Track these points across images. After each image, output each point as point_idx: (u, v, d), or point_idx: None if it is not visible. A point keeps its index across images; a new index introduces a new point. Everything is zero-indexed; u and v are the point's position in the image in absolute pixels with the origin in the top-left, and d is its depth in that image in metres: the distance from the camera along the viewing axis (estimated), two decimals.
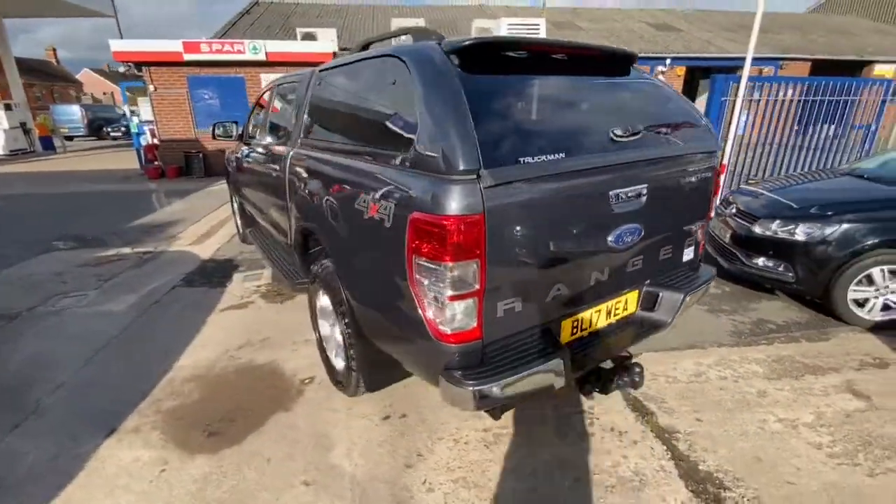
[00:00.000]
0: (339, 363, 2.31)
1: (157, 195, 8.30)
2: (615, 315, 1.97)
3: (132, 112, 11.07)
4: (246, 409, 2.34)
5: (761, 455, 2.01)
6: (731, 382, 2.53)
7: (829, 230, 3.11)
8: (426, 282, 1.42)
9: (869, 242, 2.99)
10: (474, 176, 1.32)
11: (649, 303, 2.06)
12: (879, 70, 14.54)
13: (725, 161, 5.43)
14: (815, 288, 3.21)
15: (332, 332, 2.35)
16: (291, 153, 2.56)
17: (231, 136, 4.17)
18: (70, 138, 21.32)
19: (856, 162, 4.89)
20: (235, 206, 4.95)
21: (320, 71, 2.48)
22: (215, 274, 4.23)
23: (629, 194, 1.68)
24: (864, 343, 2.97)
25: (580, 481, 1.87)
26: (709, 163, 2.06)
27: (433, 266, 1.38)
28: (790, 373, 2.63)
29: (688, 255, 2.17)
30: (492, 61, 1.62)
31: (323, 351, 2.54)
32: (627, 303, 2.00)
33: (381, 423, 2.22)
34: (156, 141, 10.53)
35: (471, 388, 1.41)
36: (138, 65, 9.92)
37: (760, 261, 3.43)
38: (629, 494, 1.81)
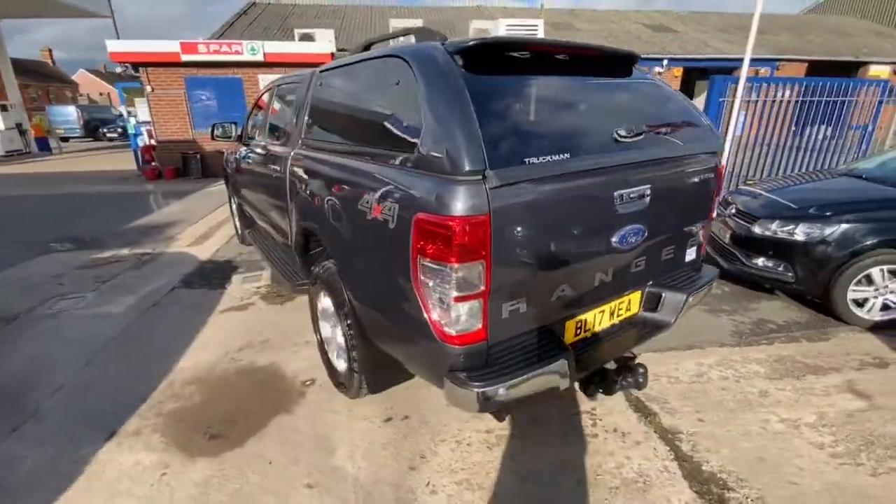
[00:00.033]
0: (341, 365, 2.30)
1: (154, 196, 8.27)
2: (618, 316, 1.97)
3: (129, 113, 11.02)
4: (247, 411, 2.33)
5: (764, 455, 2.01)
6: (732, 382, 2.53)
7: (828, 230, 3.12)
8: (431, 283, 1.41)
9: (868, 242, 3.00)
10: (480, 176, 1.32)
11: (652, 303, 2.06)
12: (875, 71, 14.64)
13: (724, 162, 5.45)
14: (815, 288, 3.22)
15: (334, 333, 2.34)
16: (292, 154, 2.55)
17: (230, 137, 4.16)
18: (66, 139, 21.22)
19: (854, 162, 4.92)
20: (234, 207, 4.94)
21: (321, 71, 2.47)
22: (214, 275, 4.21)
23: (633, 195, 1.68)
24: (863, 343, 2.98)
25: (584, 483, 1.87)
26: (711, 163, 2.07)
27: (438, 267, 1.37)
28: (791, 373, 2.63)
29: (690, 255, 2.17)
30: (495, 62, 1.61)
31: (324, 353, 2.53)
32: (630, 303, 2.00)
33: (384, 425, 2.21)
34: (153, 142, 10.49)
35: (476, 390, 1.40)
36: (135, 65, 9.87)
37: (760, 261, 3.43)
38: (633, 496, 1.80)
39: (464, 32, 13.72)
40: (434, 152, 1.40)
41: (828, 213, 3.19)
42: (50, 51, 39.21)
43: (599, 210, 1.63)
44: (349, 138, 2.05)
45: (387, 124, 1.74)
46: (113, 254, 4.86)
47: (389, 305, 1.71)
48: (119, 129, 21.96)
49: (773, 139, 6.01)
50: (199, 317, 3.36)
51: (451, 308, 1.39)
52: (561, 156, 1.45)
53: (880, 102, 6.10)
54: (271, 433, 2.17)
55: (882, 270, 3.03)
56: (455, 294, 1.37)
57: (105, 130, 22.64)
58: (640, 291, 2.02)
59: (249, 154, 3.62)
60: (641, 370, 2.01)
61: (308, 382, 2.56)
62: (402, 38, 2.39)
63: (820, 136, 6.04)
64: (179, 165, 10.27)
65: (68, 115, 22.54)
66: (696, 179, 1.98)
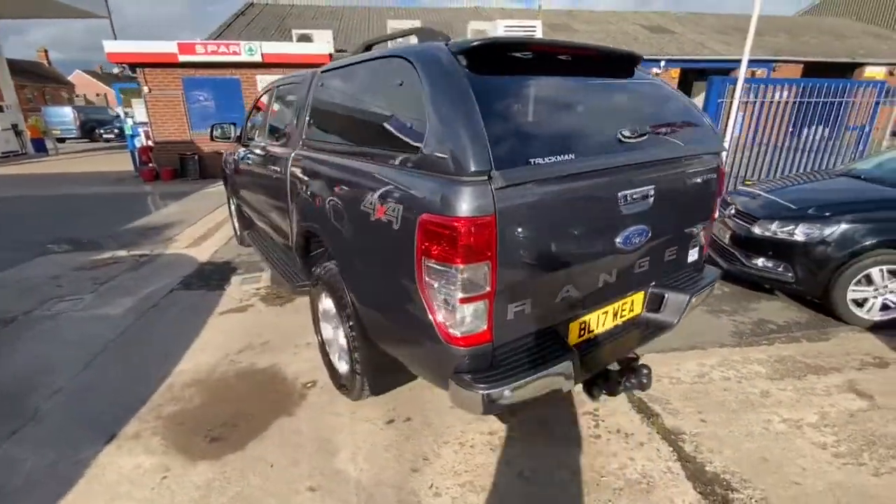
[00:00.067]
0: (343, 367, 2.29)
1: (152, 197, 8.23)
2: (621, 316, 1.96)
3: (126, 114, 10.97)
4: (248, 413, 2.31)
5: (767, 455, 2.01)
6: (734, 383, 2.53)
7: (828, 231, 3.13)
8: (436, 284, 1.40)
9: (868, 243, 3.01)
10: (485, 177, 1.31)
11: (655, 304, 2.06)
12: (870, 72, 14.74)
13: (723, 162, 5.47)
14: (815, 288, 3.22)
15: (336, 335, 2.33)
16: (293, 154, 2.54)
17: (229, 138, 4.14)
18: (62, 140, 21.14)
19: (852, 163, 4.94)
20: (233, 207, 4.92)
21: (322, 72, 2.47)
22: (213, 277, 4.19)
23: (637, 196, 1.68)
24: (863, 343, 2.98)
25: (588, 484, 1.86)
26: (713, 163, 2.07)
27: (443, 268, 1.36)
28: (792, 373, 2.63)
29: (692, 255, 2.17)
30: (499, 62, 1.61)
31: (325, 354, 2.52)
32: (633, 304, 2.00)
33: (386, 427, 2.20)
34: (150, 143, 10.44)
35: (481, 392, 1.39)
36: (132, 66, 9.84)
37: (760, 261, 3.44)
38: (638, 497, 1.80)
39: (462, 33, 13.74)
40: (438, 153, 1.39)
41: (827, 214, 3.20)
42: (46, 51, 39.05)
43: (604, 211, 1.63)
44: (351, 139, 2.04)
45: (390, 125, 1.74)
46: (111, 255, 4.83)
47: (393, 307, 1.70)
48: (115, 130, 21.91)
49: (770, 140, 6.04)
50: (198, 319, 3.34)
51: (457, 309, 1.39)
52: (566, 156, 1.45)
53: (877, 103, 6.14)
54: (272, 436, 2.16)
55: (881, 270, 3.04)
56: (460, 295, 1.36)
57: (101, 131, 22.58)
58: (643, 292, 2.02)
59: (249, 155, 3.60)
60: (645, 371, 2.00)
61: (309, 384, 2.55)
62: (400, 39, 2.39)
63: (817, 137, 6.07)
64: (177, 166, 10.23)
65: (64, 115, 22.46)
66: (698, 180, 1.98)
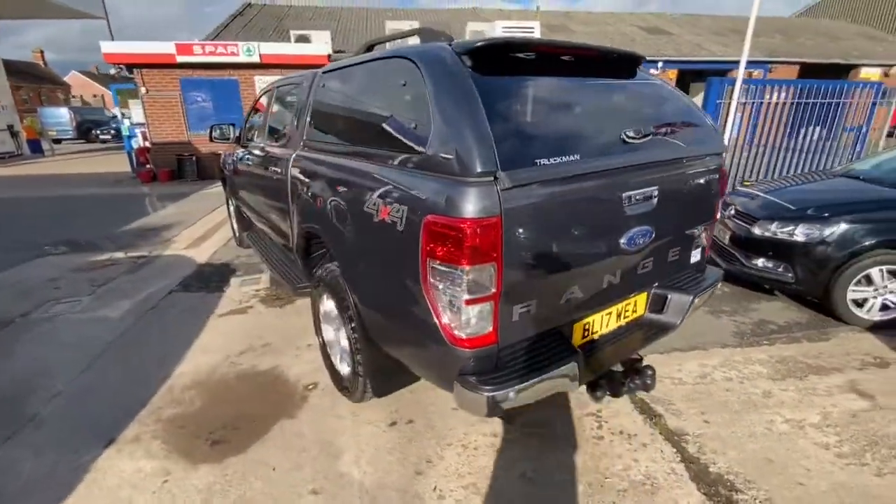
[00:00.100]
0: (345, 369, 2.28)
1: (149, 199, 8.19)
2: (625, 317, 1.96)
3: (123, 115, 10.92)
4: (249, 416, 2.30)
5: (771, 456, 2.01)
6: (736, 384, 2.53)
7: (827, 231, 3.13)
8: (441, 285, 1.40)
9: (867, 243, 3.02)
10: (491, 178, 1.31)
11: (657, 305, 2.05)
12: (865, 73, 14.84)
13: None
14: (815, 288, 3.23)
15: (337, 336, 2.32)
16: (294, 155, 2.53)
17: (228, 139, 4.13)
18: (58, 141, 21.06)
19: (850, 163, 4.96)
20: (232, 209, 4.90)
21: (324, 72, 2.46)
22: (212, 278, 4.17)
23: (641, 196, 1.68)
24: (863, 343, 2.99)
25: (592, 486, 1.86)
26: (716, 164, 2.07)
27: (449, 269, 1.36)
28: (794, 373, 2.64)
29: (695, 256, 2.17)
30: (503, 62, 1.60)
31: (327, 356, 2.51)
32: (636, 305, 2.00)
33: (389, 430, 2.19)
34: (147, 144, 10.40)
35: (487, 394, 1.39)
36: (129, 67, 9.80)
37: (760, 262, 3.45)
38: (642, 498, 1.79)
39: (460, 34, 13.75)
40: (443, 153, 1.38)
41: (826, 214, 3.21)
42: (42, 52, 38.89)
43: (608, 212, 1.62)
44: (354, 140, 2.03)
45: (393, 125, 1.73)
46: (108, 257, 4.80)
47: (397, 308, 1.69)
48: (112, 131, 21.84)
49: (768, 141, 6.06)
50: (197, 321, 3.32)
51: (462, 311, 1.38)
52: (571, 157, 1.45)
53: (874, 104, 6.17)
54: (274, 438, 2.14)
55: (881, 271, 3.05)
56: (466, 297, 1.36)
57: (98, 132, 22.51)
58: (645, 293, 2.02)
59: (248, 156, 3.59)
60: (650, 372, 2.00)
61: (311, 386, 2.53)
62: (398, 41, 2.38)
63: (814, 138, 6.10)
64: (174, 168, 10.20)
65: (60, 116, 22.39)
66: (701, 181, 1.98)
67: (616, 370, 2.07)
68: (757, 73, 14.32)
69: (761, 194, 3.85)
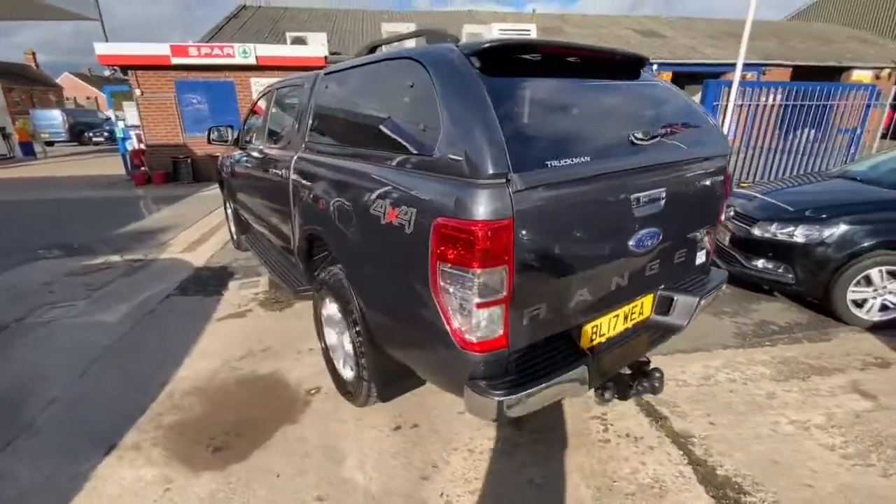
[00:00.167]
0: (348, 373, 2.25)
1: (144, 201, 8.12)
2: (631, 320, 1.95)
3: (117, 117, 10.83)
4: (251, 421, 2.26)
5: (777, 458, 2.00)
6: (740, 385, 2.53)
7: (827, 232, 3.15)
8: (451, 289, 1.38)
9: (867, 244, 3.04)
10: (503, 180, 1.29)
11: (663, 307, 2.05)
12: (857, 75, 15.01)
13: None
14: (815, 289, 3.24)
15: (340, 340, 2.29)
16: (295, 157, 2.51)
17: (226, 141, 4.09)
18: (50, 143, 20.88)
19: (847, 165, 5.00)
20: (229, 211, 4.86)
21: (326, 74, 2.43)
22: (210, 282, 4.12)
23: (649, 198, 1.67)
24: (864, 343, 3.00)
25: (600, 489, 1.84)
26: (720, 165, 2.07)
27: (460, 272, 1.34)
28: (796, 374, 2.64)
29: (700, 258, 2.17)
30: (510, 64, 1.59)
31: (329, 360, 2.48)
32: (643, 307, 1.99)
33: (393, 434, 2.17)
34: (142, 146, 10.31)
35: (498, 399, 1.37)
36: (124, 68, 9.73)
37: (760, 262, 3.46)
38: (651, 502, 1.78)
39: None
40: (453, 155, 1.37)
41: (824, 216, 3.22)
42: (34, 54, 38.55)
43: (617, 214, 1.62)
44: (358, 142, 2.01)
45: (399, 127, 1.71)
46: (104, 260, 4.74)
47: (404, 312, 1.67)
48: (105, 134, 21.67)
49: (765, 143, 6.11)
50: (196, 325, 3.28)
51: (472, 314, 1.36)
52: (581, 159, 1.44)
53: (868, 106, 6.24)
54: (277, 444, 2.11)
55: (881, 271, 3.07)
56: (477, 300, 1.34)
57: (91, 135, 22.33)
58: (652, 295, 2.01)
59: (248, 158, 3.55)
60: (657, 375, 1.99)
61: (313, 391, 2.50)
62: (395, 43, 2.37)
63: (810, 139, 6.16)
64: (170, 170, 10.12)
65: (53, 118, 22.21)
66: (707, 182, 1.98)
67: (623, 373, 2.06)
68: (751, 75, 14.43)
69: (760, 196, 3.87)
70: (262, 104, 3.61)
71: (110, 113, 11.75)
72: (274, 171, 2.83)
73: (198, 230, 6.01)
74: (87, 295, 3.83)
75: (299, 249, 2.56)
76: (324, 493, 1.84)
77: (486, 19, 17.06)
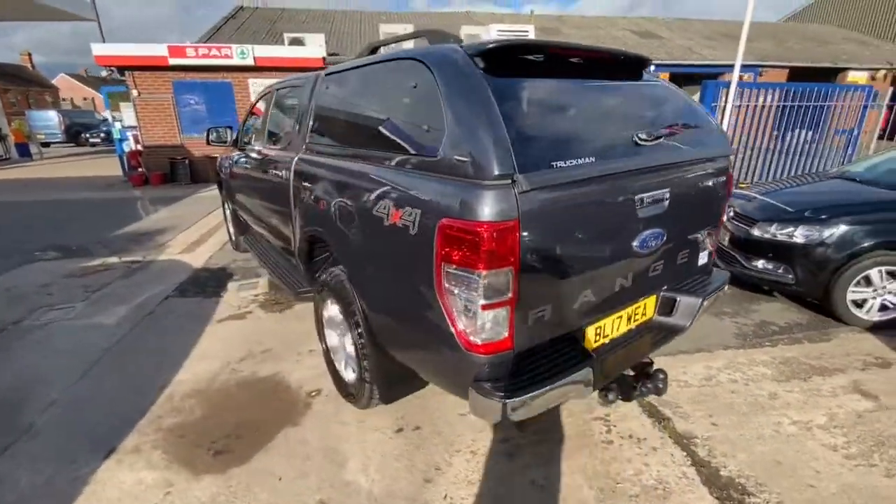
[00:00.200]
0: (350, 375, 2.24)
1: (142, 203, 8.08)
2: (634, 321, 1.95)
3: (114, 118, 10.78)
4: (252, 424, 2.25)
5: (780, 458, 2.00)
6: (741, 385, 2.53)
7: (827, 232, 3.16)
8: (456, 290, 1.37)
9: (867, 244, 3.05)
10: (509, 181, 1.29)
11: (666, 308, 2.05)
12: (853, 76, 15.10)
13: None
14: (815, 289, 3.25)
15: (342, 342, 2.28)
16: (296, 158, 2.49)
17: (226, 142, 4.07)
18: (47, 145, 20.77)
19: (845, 165, 5.02)
20: (228, 212, 4.84)
21: (327, 75, 2.43)
22: (209, 283, 4.10)
23: (653, 199, 1.67)
24: (864, 343, 3.01)
25: (604, 491, 1.84)
26: (723, 165, 2.07)
27: (465, 274, 1.33)
28: (798, 374, 2.65)
29: (702, 258, 2.17)
30: (514, 64, 1.59)
31: (330, 362, 2.47)
32: (646, 308, 1.99)
33: (395, 436, 2.15)
34: (139, 147, 10.27)
35: (503, 401, 1.36)
36: (121, 69, 9.69)
37: (760, 263, 3.47)
38: (655, 503, 1.78)
39: None
40: (458, 156, 1.36)
41: (823, 216, 3.23)
42: (30, 55, 38.37)
43: (622, 214, 1.61)
44: (360, 143, 2.00)
45: (402, 128, 1.71)
46: (101, 262, 4.71)
47: (408, 313, 1.66)
48: (102, 135, 21.59)
49: (762, 143, 6.13)
50: (195, 326, 3.26)
51: (478, 316, 1.35)
52: (587, 159, 1.43)
53: (865, 107, 6.27)
54: (278, 447, 2.10)
55: (880, 272, 3.08)
56: (482, 302, 1.33)
57: (87, 136, 22.22)
58: (654, 296, 2.01)
59: (247, 159, 3.54)
60: (661, 376, 1.99)
61: (314, 393, 2.49)
62: (396, 44, 2.36)
63: (808, 140, 6.19)
64: (167, 171, 10.08)
65: (49, 119, 22.11)
66: (710, 182, 1.98)
67: (627, 374, 2.06)
68: (747, 76, 14.50)
69: (759, 196, 3.88)
70: (261, 105, 3.60)
71: (107, 114, 11.70)
72: (274, 172, 2.81)
73: (196, 231, 5.98)
74: (86, 297, 3.80)
75: (300, 251, 2.55)
76: (326, 497, 1.83)
77: (484, 20, 17.08)
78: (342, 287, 2.07)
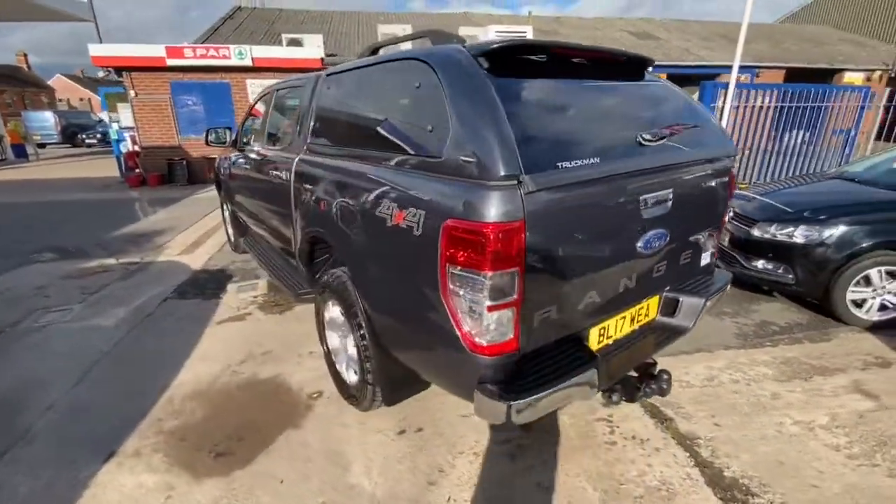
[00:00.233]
0: (352, 377, 2.23)
1: (140, 204, 8.04)
2: (638, 322, 1.95)
3: (111, 119, 10.73)
4: (253, 426, 2.24)
5: (783, 459, 2.00)
6: (743, 386, 2.54)
7: (827, 233, 3.17)
8: (461, 291, 1.36)
9: (866, 244, 3.05)
10: (515, 181, 1.28)
11: (669, 308, 2.04)
12: (849, 77, 15.17)
13: None
14: (815, 289, 3.26)
15: (344, 344, 2.27)
16: (297, 159, 2.48)
17: (225, 143, 4.06)
18: (43, 145, 20.67)
19: (843, 166, 5.04)
20: (227, 214, 4.82)
21: (328, 75, 2.42)
22: (208, 285, 4.08)
23: (657, 199, 1.67)
24: (864, 343, 3.02)
25: (608, 492, 1.83)
26: (726, 166, 2.07)
27: (470, 275, 1.33)
28: (799, 374, 2.65)
29: (705, 259, 2.17)
30: (517, 65, 1.58)
31: (331, 364, 2.45)
32: (649, 309, 1.98)
33: (397, 438, 2.14)
34: (137, 148, 10.22)
35: (509, 403, 1.35)
36: (119, 70, 9.65)
37: (760, 263, 3.47)
38: None
39: None
40: (463, 157, 1.36)
41: (823, 217, 3.24)
42: (25, 55, 38.18)
43: (627, 215, 1.61)
44: (362, 143, 1.99)
45: (406, 129, 1.70)
46: (99, 263, 4.68)
47: (412, 314, 1.65)
48: (98, 135, 21.50)
49: (759, 144, 6.15)
50: (195, 328, 3.24)
51: (483, 317, 1.35)
52: (592, 160, 1.43)
53: (862, 108, 6.30)
54: (280, 449, 2.09)
55: (880, 272, 3.09)
56: (488, 303, 1.33)
57: (84, 136, 22.12)
58: (657, 296, 2.01)
59: (247, 160, 3.52)
60: (666, 377, 1.99)
61: (315, 395, 2.48)
62: (392, 45, 2.36)
63: (806, 140, 6.21)
64: (164, 172, 10.03)
65: (45, 120, 21.99)
66: (713, 183, 1.98)
67: (630, 375, 2.06)
68: (744, 77, 14.56)
69: (758, 197, 3.89)
70: (260, 106, 3.58)
71: (104, 115, 11.65)
72: (274, 172, 2.80)
73: (194, 232, 5.96)
74: (83, 299, 3.78)
75: (301, 252, 2.54)
76: (329, 499, 1.82)
77: (482, 21, 17.09)
78: (344, 288, 2.06)
